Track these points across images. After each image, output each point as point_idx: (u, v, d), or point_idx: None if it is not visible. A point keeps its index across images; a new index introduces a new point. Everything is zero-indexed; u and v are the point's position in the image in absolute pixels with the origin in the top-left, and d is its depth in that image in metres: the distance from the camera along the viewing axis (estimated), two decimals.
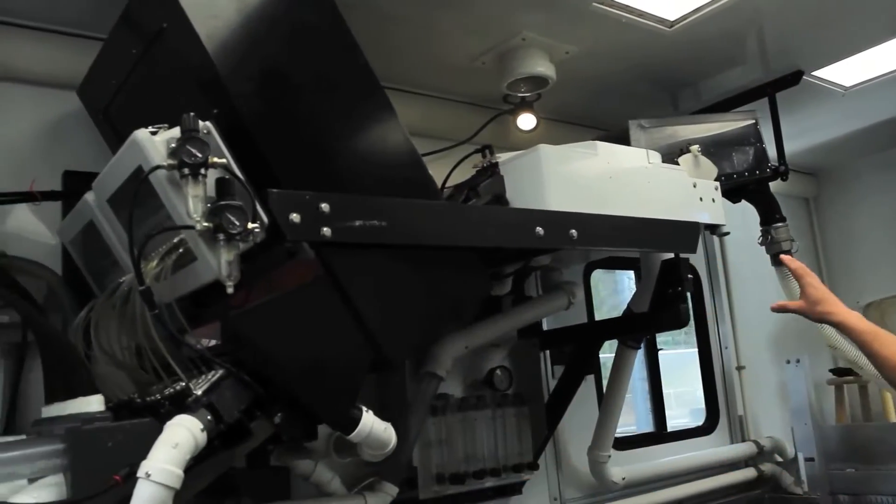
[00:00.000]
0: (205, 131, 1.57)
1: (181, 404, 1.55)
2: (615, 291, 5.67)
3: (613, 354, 3.20)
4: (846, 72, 3.52)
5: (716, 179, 2.76)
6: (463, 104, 3.37)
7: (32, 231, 2.33)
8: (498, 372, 2.90)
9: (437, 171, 2.13)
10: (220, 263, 1.54)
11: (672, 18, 2.85)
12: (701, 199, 2.62)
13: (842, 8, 2.89)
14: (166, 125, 1.62)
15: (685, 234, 2.49)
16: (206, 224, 1.52)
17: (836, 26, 3.05)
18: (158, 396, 1.65)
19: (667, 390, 4.30)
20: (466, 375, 2.91)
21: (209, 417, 1.52)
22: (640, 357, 3.90)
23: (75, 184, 2.23)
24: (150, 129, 1.60)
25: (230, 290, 1.55)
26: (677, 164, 2.67)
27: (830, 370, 4.64)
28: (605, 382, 3.30)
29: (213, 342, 1.84)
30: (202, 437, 1.48)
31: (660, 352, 4.29)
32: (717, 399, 4.25)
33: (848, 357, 3.29)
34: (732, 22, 2.91)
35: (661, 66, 3.26)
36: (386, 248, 1.79)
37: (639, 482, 3.46)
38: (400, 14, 2.61)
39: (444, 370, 2.53)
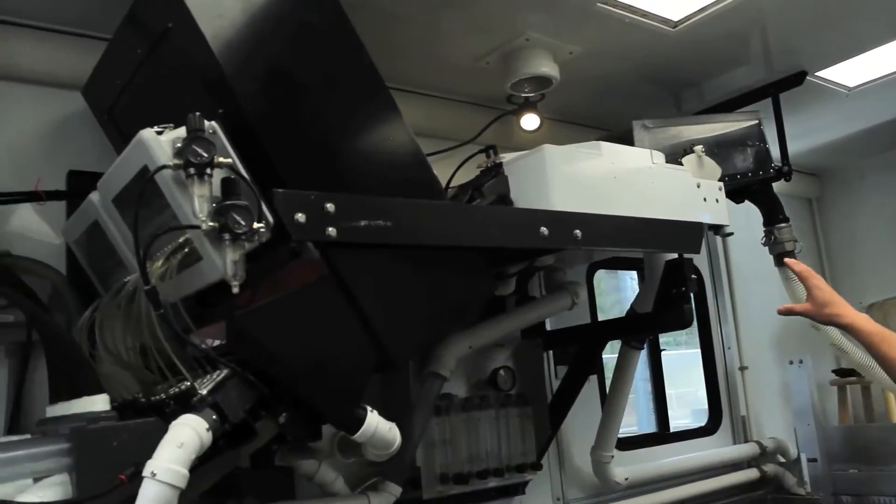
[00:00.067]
0: (210, 131, 1.57)
1: (186, 404, 1.55)
2: (616, 290, 5.66)
3: (616, 355, 3.20)
4: (850, 72, 3.52)
5: (719, 180, 2.76)
6: (467, 104, 3.37)
7: (37, 231, 2.34)
8: (501, 372, 2.90)
9: (441, 171, 2.14)
10: (225, 263, 1.54)
11: (676, 18, 2.85)
12: (705, 199, 2.62)
13: (845, 8, 2.89)
14: (172, 125, 1.62)
15: (689, 234, 2.49)
16: (211, 224, 1.52)
17: (840, 27, 3.05)
18: (163, 396, 1.65)
19: (668, 391, 4.30)
20: (470, 375, 2.91)
21: (214, 417, 1.52)
22: (642, 357, 3.90)
23: (80, 184, 2.24)
24: (156, 128, 1.60)
25: (235, 290, 1.54)
26: (681, 164, 2.67)
27: (833, 371, 4.63)
28: (608, 383, 3.30)
29: (217, 342, 1.84)
30: (207, 437, 1.48)
31: (662, 352, 4.29)
32: (719, 400, 4.24)
33: (854, 359, 3.29)
34: (736, 22, 2.92)
35: (664, 66, 3.26)
36: (391, 249, 1.79)
37: (642, 482, 3.45)
38: (404, 14, 2.61)
39: (448, 370, 2.54)
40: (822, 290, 2.21)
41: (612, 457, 3.21)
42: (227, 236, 1.53)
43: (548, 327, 3.28)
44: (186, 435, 1.44)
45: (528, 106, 3.19)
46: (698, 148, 2.73)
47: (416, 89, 3.19)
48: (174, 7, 1.73)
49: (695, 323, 4.10)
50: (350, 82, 1.90)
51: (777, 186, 3.47)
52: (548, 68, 2.93)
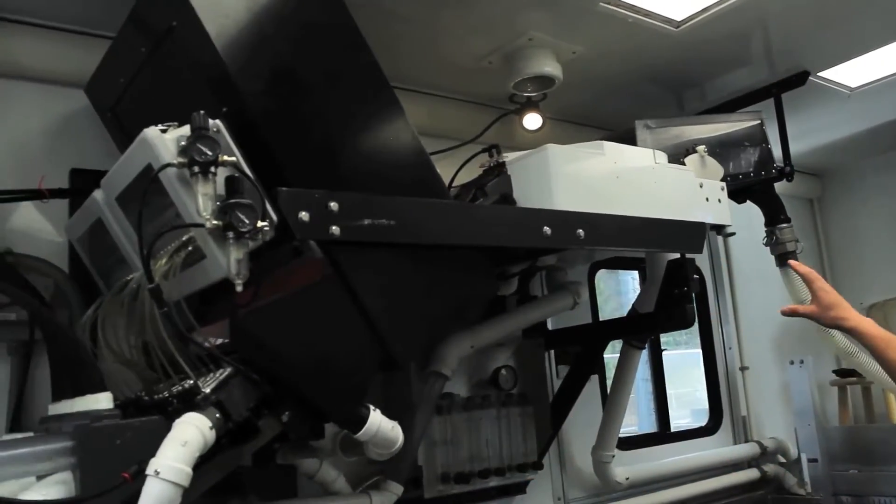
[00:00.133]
0: (214, 129, 1.57)
1: (189, 402, 1.55)
2: (617, 294, 5.66)
3: (617, 354, 3.20)
4: (852, 73, 3.52)
5: (721, 180, 2.75)
6: (469, 104, 3.37)
7: (39, 229, 2.34)
8: (503, 371, 2.90)
9: (444, 170, 2.14)
10: (229, 262, 1.54)
11: (679, 19, 2.85)
12: (707, 199, 2.61)
13: (847, 9, 2.89)
14: (176, 123, 1.62)
15: (691, 234, 2.49)
16: (215, 222, 1.52)
17: (842, 27, 3.05)
18: (167, 394, 1.65)
19: (668, 391, 4.30)
20: (471, 375, 2.91)
21: (218, 415, 1.52)
22: (643, 357, 3.91)
23: (82, 182, 2.24)
24: (160, 127, 1.60)
25: (239, 289, 1.54)
26: (683, 164, 2.67)
27: (834, 371, 4.63)
28: (609, 382, 3.30)
29: (220, 340, 1.84)
30: (211, 436, 1.48)
31: (662, 352, 4.30)
32: (720, 400, 4.24)
33: (859, 363, 3.29)
34: (739, 22, 2.91)
35: (666, 66, 3.26)
36: (394, 248, 1.79)
37: (642, 482, 3.45)
38: (407, 14, 2.61)
39: (450, 369, 2.53)
40: (827, 292, 2.21)
41: (613, 456, 3.21)
42: (231, 235, 1.53)
43: (549, 327, 3.29)
44: (190, 433, 1.44)
45: (531, 105, 3.19)
46: (701, 148, 2.73)
47: (419, 88, 3.19)
48: (178, 5, 1.73)
49: (696, 323, 4.10)
50: (354, 81, 1.90)
51: (778, 187, 3.47)
52: (550, 68, 2.93)
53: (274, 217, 1.59)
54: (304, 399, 1.68)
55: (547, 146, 2.22)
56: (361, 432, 1.75)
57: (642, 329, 2.99)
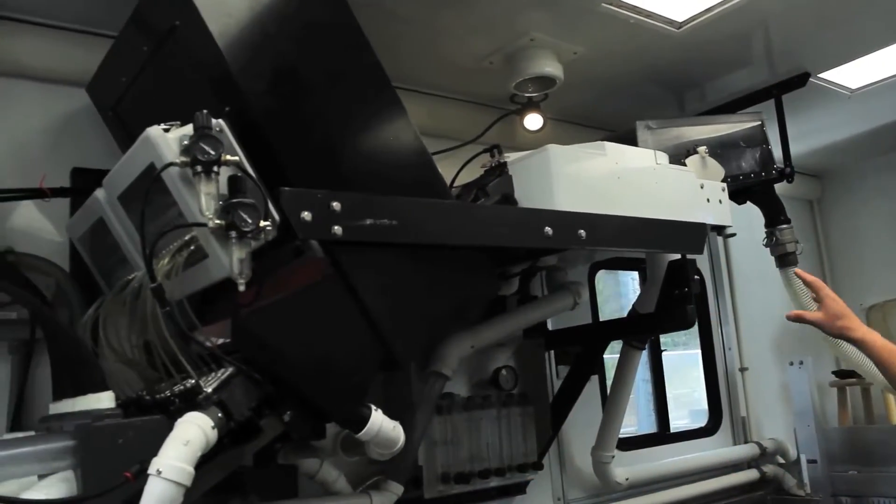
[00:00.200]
0: (217, 129, 1.57)
1: (191, 402, 1.55)
2: (617, 297, 5.66)
3: (616, 355, 3.20)
4: (852, 74, 3.52)
5: (722, 181, 2.76)
6: (470, 104, 3.37)
7: (40, 228, 2.34)
8: (503, 372, 2.90)
9: (444, 170, 2.14)
10: (231, 261, 1.54)
11: (680, 19, 2.85)
12: (708, 200, 2.62)
13: (848, 10, 2.89)
14: (178, 122, 1.62)
15: (692, 234, 2.49)
16: (218, 222, 1.52)
17: (843, 29, 3.06)
18: (168, 394, 1.65)
19: (667, 392, 4.30)
20: (472, 375, 2.91)
21: (220, 415, 1.52)
22: (642, 358, 3.91)
23: (83, 181, 2.23)
24: (163, 126, 1.60)
25: (242, 288, 1.54)
26: (684, 165, 2.67)
27: (833, 372, 4.64)
28: (609, 383, 3.30)
29: (221, 340, 1.84)
30: (213, 435, 1.48)
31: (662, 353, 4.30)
32: (720, 400, 4.25)
33: (870, 373, 3.30)
34: (740, 23, 2.92)
35: (667, 67, 3.26)
36: (396, 248, 1.79)
37: (642, 483, 3.46)
38: (408, 14, 2.61)
39: (451, 370, 2.53)
40: (835, 301, 2.22)
41: (613, 457, 3.21)
42: (233, 234, 1.52)
43: (549, 327, 3.29)
44: (192, 433, 1.44)
45: (532, 106, 3.19)
46: (702, 149, 2.73)
47: (420, 89, 3.19)
48: (181, 5, 1.73)
49: (695, 324, 4.10)
50: (356, 81, 1.90)
51: (778, 188, 3.47)
52: (552, 68, 2.93)
53: (276, 217, 1.59)
54: (306, 399, 1.68)
55: (548, 146, 2.23)
56: (363, 432, 1.75)
57: (643, 329, 2.99)
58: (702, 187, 2.61)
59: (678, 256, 2.71)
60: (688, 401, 6.50)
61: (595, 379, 3.47)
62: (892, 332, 4.76)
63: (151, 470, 1.36)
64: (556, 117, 3.50)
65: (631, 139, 2.71)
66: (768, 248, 3.52)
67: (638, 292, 3.29)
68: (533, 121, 3.23)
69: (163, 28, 1.87)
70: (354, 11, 1.91)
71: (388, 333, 1.75)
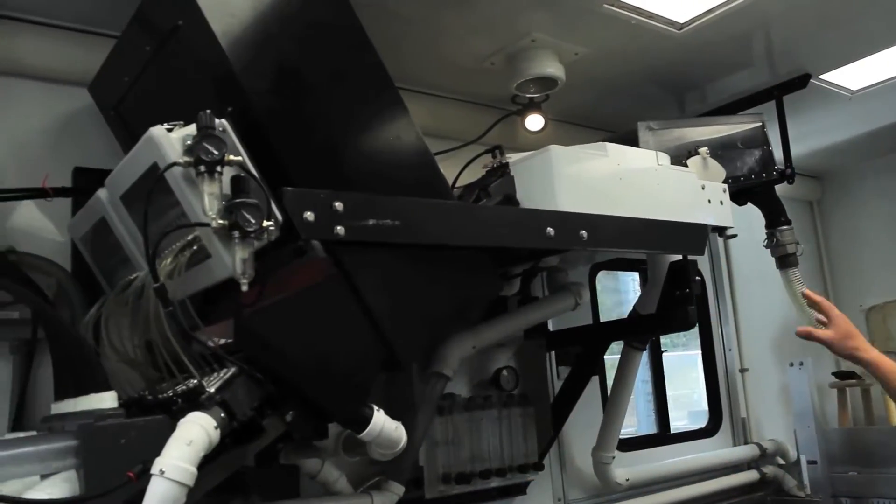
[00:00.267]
0: (220, 129, 1.57)
1: (194, 401, 1.55)
2: (617, 302, 5.65)
3: (616, 355, 3.20)
4: (853, 75, 3.53)
5: (723, 182, 2.76)
6: (471, 104, 3.37)
7: (41, 227, 2.33)
8: (504, 372, 2.90)
9: (445, 171, 2.13)
10: (234, 261, 1.54)
11: (682, 21, 2.85)
12: (709, 201, 2.62)
13: (849, 12, 2.90)
14: (181, 122, 1.62)
15: (693, 235, 2.49)
16: (221, 222, 1.52)
17: (844, 30, 3.06)
18: (171, 393, 1.65)
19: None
20: (473, 375, 2.90)
21: (223, 415, 1.52)
22: (642, 359, 3.92)
23: (85, 180, 2.23)
24: (166, 126, 1.60)
25: (245, 288, 1.54)
26: (685, 165, 2.68)
27: (833, 373, 4.64)
28: (609, 383, 3.30)
29: (223, 340, 1.84)
30: (216, 435, 1.48)
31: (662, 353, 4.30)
32: (720, 401, 4.25)
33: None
34: (741, 25, 2.92)
35: (668, 68, 3.26)
36: (398, 248, 1.79)
37: (642, 483, 3.46)
38: (410, 14, 2.61)
39: (452, 370, 2.53)
40: (845, 321, 2.24)
41: (614, 457, 3.21)
42: (236, 234, 1.52)
43: (550, 328, 3.29)
44: (195, 433, 1.44)
45: (533, 107, 3.19)
46: (703, 150, 2.73)
47: (421, 89, 3.19)
48: (184, 5, 1.74)
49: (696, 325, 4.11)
50: (359, 81, 1.90)
51: (778, 189, 3.47)
52: (553, 69, 2.93)
53: (279, 217, 1.59)
54: (308, 399, 1.68)
55: (550, 147, 2.23)
56: (365, 432, 1.75)
57: (644, 330, 2.99)
58: (703, 188, 2.61)
59: (679, 257, 2.72)
60: (687, 402, 6.50)
61: (595, 379, 3.47)
62: (893, 334, 4.77)
63: (154, 470, 1.36)
64: (556, 118, 3.50)
65: (632, 140, 2.71)
66: (768, 250, 3.52)
67: (638, 293, 3.29)
68: (534, 121, 3.23)
69: (166, 28, 1.87)
70: (356, 11, 1.91)
71: (391, 333, 1.75)
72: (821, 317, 2.35)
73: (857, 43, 3.21)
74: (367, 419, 1.75)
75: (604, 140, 2.45)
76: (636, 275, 4.33)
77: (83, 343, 1.89)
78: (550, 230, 2.06)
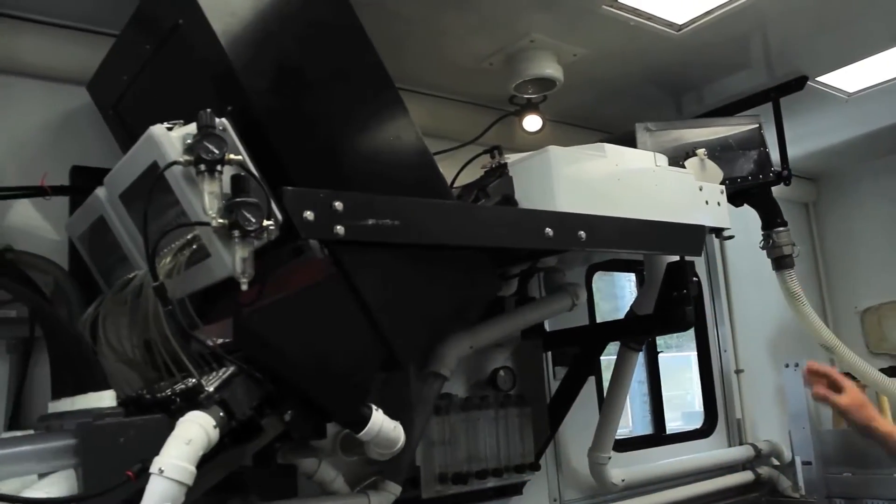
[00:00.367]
0: (221, 128, 1.57)
1: (192, 401, 1.55)
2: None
3: (614, 356, 3.21)
4: (850, 78, 3.54)
5: (720, 183, 2.76)
6: (469, 105, 3.37)
7: (38, 226, 2.33)
8: (501, 372, 2.91)
9: (443, 171, 2.14)
10: (234, 260, 1.54)
11: (680, 22, 2.86)
12: (707, 202, 2.62)
13: (847, 15, 2.91)
14: (181, 121, 1.62)
15: (691, 236, 2.50)
16: (221, 221, 1.51)
17: (841, 33, 3.07)
18: (169, 392, 1.64)
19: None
20: (470, 376, 2.91)
21: (221, 414, 1.52)
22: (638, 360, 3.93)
23: (83, 179, 2.23)
24: (166, 124, 1.60)
25: (244, 288, 1.54)
26: (683, 167, 2.68)
27: None
28: (605, 384, 3.30)
29: (222, 339, 1.84)
30: (215, 434, 1.47)
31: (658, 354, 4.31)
32: (715, 402, 4.26)
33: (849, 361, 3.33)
34: (739, 27, 2.93)
35: (666, 69, 3.27)
36: (398, 248, 1.79)
37: (638, 484, 3.46)
38: (408, 14, 2.61)
39: (449, 370, 2.53)
40: (857, 390, 2.26)
41: (609, 458, 3.21)
42: (236, 233, 1.52)
43: (546, 328, 3.29)
44: (194, 432, 1.43)
45: (531, 107, 3.19)
46: (701, 151, 2.74)
47: (419, 89, 3.19)
48: (184, 3, 1.74)
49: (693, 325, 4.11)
50: (359, 80, 1.90)
51: (774, 190, 3.48)
52: (551, 70, 2.93)
53: (279, 216, 1.59)
54: (307, 398, 1.68)
55: (549, 148, 2.23)
56: (364, 432, 1.75)
57: (640, 331, 3.00)
58: (700, 189, 2.62)
59: (677, 258, 2.72)
60: (680, 403, 6.52)
61: (591, 380, 3.48)
62: (887, 335, 4.78)
63: (153, 469, 1.36)
64: (554, 119, 3.50)
65: (630, 141, 2.71)
66: (765, 251, 3.53)
67: (635, 294, 3.30)
68: (532, 122, 3.23)
69: (166, 26, 1.87)
70: (356, 11, 1.91)
71: (390, 333, 1.75)
72: (823, 391, 2.32)
73: (853, 45, 3.22)
74: (366, 419, 1.75)
75: (601, 141, 2.45)
76: (632, 276, 4.33)
77: (81, 341, 1.89)
78: (549, 230, 2.06)
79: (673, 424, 5.24)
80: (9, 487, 1.45)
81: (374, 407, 1.78)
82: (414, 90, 3.14)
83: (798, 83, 3.43)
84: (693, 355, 4.47)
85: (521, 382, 2.98)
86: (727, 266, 4.43)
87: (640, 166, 2.46)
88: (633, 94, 3.48)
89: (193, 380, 1.61)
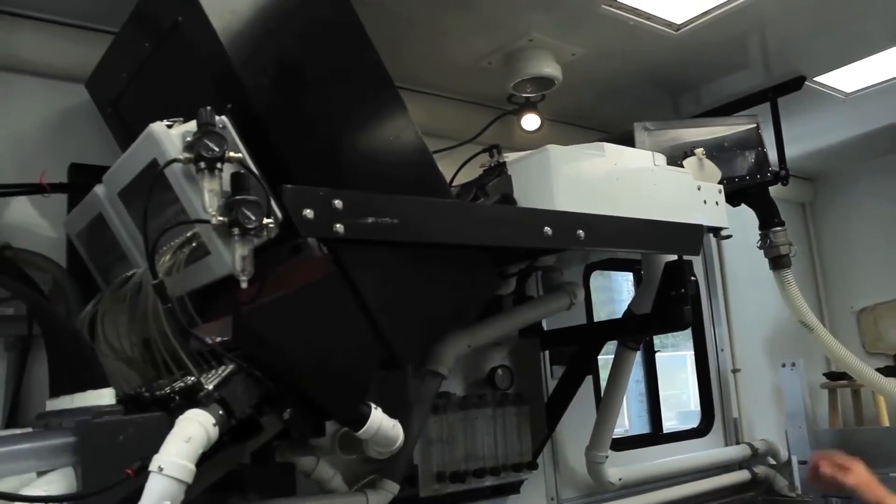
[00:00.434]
0: (221, 125, 1.57)
1: (192, 399, 1.55)
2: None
3: (609, 355, 3.21)
4: (847, 78, 3.55)
5: (718, 183, 2.77)
6: (468, 104, 3.37)
7: (36, 223, 2.33)
8: (499, 371, 2.91)
9: (442, 170, 2.14)
10: (234, 258, 1.54)
11: (679, 22, 2.86)
12: (705, 201, 2.63)
13: (844, 15, 2.91)
14: (181, 119, 1.62)
15: (689, 236, 2.50)
16: (221, 218, 1.51)
17: (839, 33, 3.08)
18: (169, 390, 1.64)
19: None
20: (468, 374, 2.92)
21: (221, 412, 1.51)
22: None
23: (82, 177, 2.23)
24: (166, 122, 1.60)
25: (244, 285, 1.54)
26: (681, 166, 2.68)
27: (824, 374, 4.67)
28: (602, 383, 3.31)
29: (221, 337, 1.83)
30: (214, 432, 1.47)
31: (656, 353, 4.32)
32: (712, 401, 4.26)
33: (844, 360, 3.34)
34: (737, 26, 2.93)
35: (665, 69, 3.27)
36: (397, 246, 1.79)
37: (635, 483, 3.47)
38: (408, 14, 2.61)
39: (447, 369, 2.53)
40: (866, 470, 2.29)
41: (607, 457, 3.22)
42: (236, 231, 1.52)
43: (544, 327, 3.30)
44: (193, 430, 1.43)
45: (529, 106, 3.19)
46: (699, 151, 2.74)
47: (418, 88, 3.19)
48: (184, 1, 1.73)
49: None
50: (358, 79, 1.90)
51: (771, 190, 3.48)
52: (550, 69, 2.94)
53: (279, 214, 1.59)
54: (306, 396, 1.68)
55: (548, 147, 2.23)
56: (363, 430, 1.75)
57: (639, 330, 3.00)
58: (699, 189, 2.62)
59: (675, 257, 2.73)
60: (676, 402, 6.52)
61: (589, 379, 3.48)
62: (883, 335, 4.80)
63: (153, 467, 1.36)
64: (552, 118, 3.50)
65: (628, 140, 2.71)
66: (762, 251, 3.54)
67: (633, 293, 3.30)
68: (530, 121, 3.23)
69: (165, 24, 1.86)
70: (356, 10, 1.91)
71: (389, 331, 1.75)
72: (830, 471, 2.35)
73: (851, 46, 3.22)
74: (365, 417, 1.75)
75: (599, 140, 2.46)
76: (629, 275, 4.34)
77: (80, 339, 1.88)
78: (548, 229, 2.06)
79: (669, 424, 5.25)
80: (7, 485, 1.45)
81: (373, 405, 1.78)
82: (413, 89, 3.14)
83: (796, 83, 3.44)
84: (689, 354, 4.48)
85: (519, 381, 2.98)
86: (724, 265, 4.43)
87: (638, 166, 2.46)
88: (631, 94, 3.48)
89: (193, 378, 1.61)
